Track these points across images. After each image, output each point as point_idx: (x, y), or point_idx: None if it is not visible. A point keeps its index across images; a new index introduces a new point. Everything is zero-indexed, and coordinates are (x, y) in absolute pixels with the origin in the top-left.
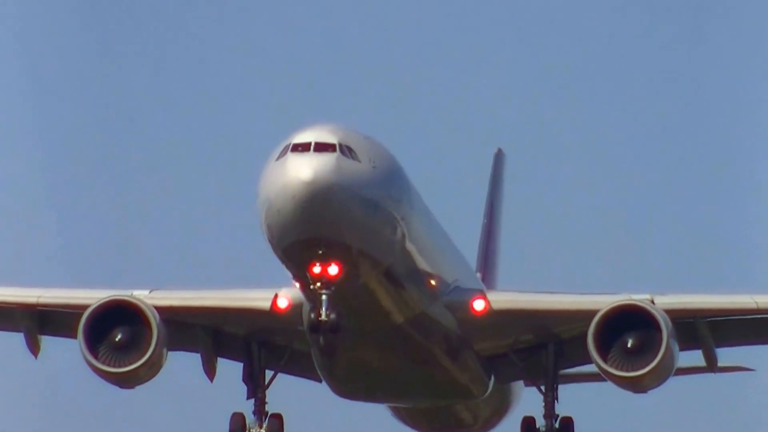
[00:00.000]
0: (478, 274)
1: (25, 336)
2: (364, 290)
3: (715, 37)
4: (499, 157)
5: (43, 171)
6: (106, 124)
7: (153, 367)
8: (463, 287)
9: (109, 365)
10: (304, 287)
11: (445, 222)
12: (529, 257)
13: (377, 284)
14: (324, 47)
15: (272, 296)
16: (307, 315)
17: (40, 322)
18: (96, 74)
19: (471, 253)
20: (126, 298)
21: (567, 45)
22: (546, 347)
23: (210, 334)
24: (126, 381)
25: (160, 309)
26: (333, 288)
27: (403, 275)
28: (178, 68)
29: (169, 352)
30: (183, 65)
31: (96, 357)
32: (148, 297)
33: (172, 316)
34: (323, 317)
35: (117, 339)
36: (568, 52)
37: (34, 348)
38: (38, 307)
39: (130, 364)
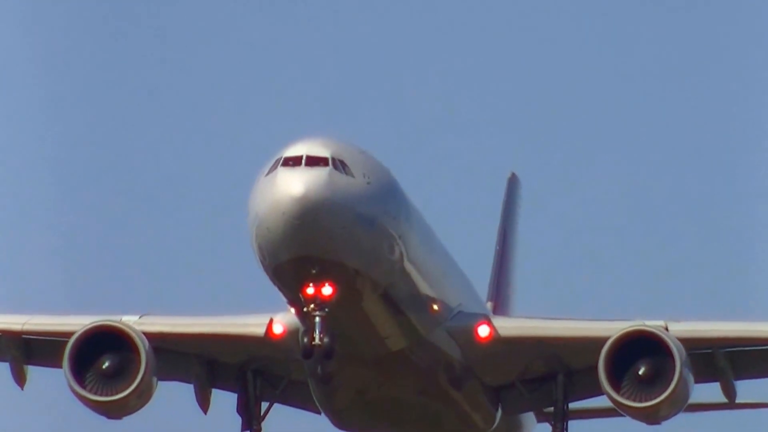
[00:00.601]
0: (489, 304)
1: (11, 366)
2: (361, 313)
3: None
4: (513, 182)
5: (29, 192)
6: (95, 144)
7: (142, 397)
8: (467, 312)
9: (95, 394)
10: (299, 311)
11: (455, 249)
12: (544, 285)
13: (374, 307)
14: (331, 63)
15: (267, 322)
16: (301, 339)
17: (27, 351)
18: (75, 109)
19: (483, 281)
20: (113, 323)
21: (584, 67)
22: (555, 378)
23: (203, 363)
24: (114, 411)
25: (150, 335)
26: (327, 310)
27: (402, 297)
28: (166, 92)
29: (161, 382)
30: (173, 87)
31: (82, 385)
32: (137, 323)
33: (163, 343)
34: (317, 341)
35: (104, 366)
36: (583, 74)
37: (20, 378)
38: (24, 335)
39: (118, 392)
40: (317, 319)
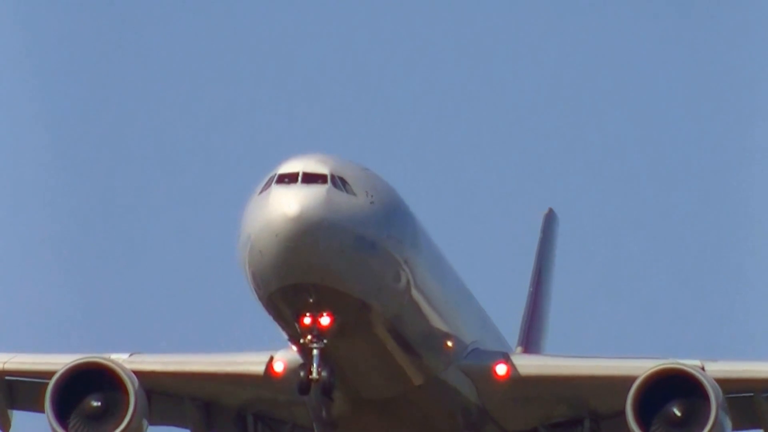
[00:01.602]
0: (519, 349)
1: None
2: (364, 347)
3: None
4: (549, 219)
5: (15, 220)
6: (82, 164)
7: None
8: (484, 349)
9: None
10: (298, 345)
11: (484, 290)
12: (577, 327)
13: (379, 340)
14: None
15: (267, 360)
16: (297, 373)
17: (10, 394)
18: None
19: (513, 325)
20: (99, 360)
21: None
22: (582, 423)
23: (200, 405)
24: None
25: (141, 375)
26: (325, 342)
27: (410, 330)
28: (158, 109)
29: (155, 428)
30: (166, 105)
31: (66, 428)
32: (127, 361)
33: (155, 384)
34: (314, 375)
35: (90, 407)
36: (617, 105)
37: (4, 424)
38: (5, 375)
39: None
40: (315, 351)
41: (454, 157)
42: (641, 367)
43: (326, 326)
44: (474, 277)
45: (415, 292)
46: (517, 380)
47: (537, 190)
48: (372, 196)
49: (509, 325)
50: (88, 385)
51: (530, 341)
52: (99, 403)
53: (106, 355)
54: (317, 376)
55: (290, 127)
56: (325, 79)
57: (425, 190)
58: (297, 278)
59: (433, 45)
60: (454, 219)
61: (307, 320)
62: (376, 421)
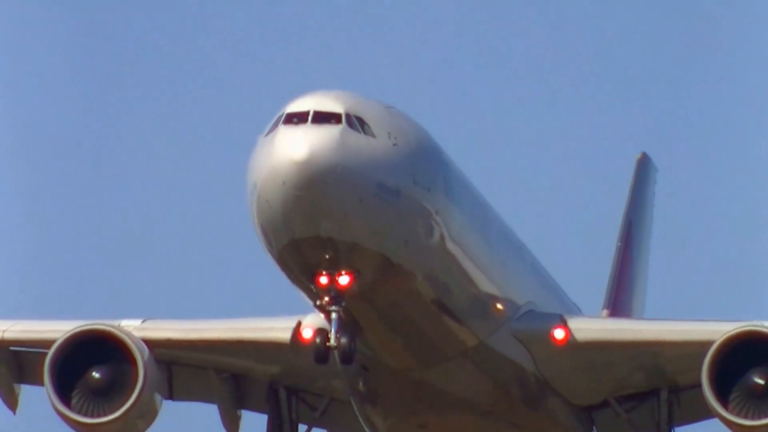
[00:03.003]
0: (605, 312)
1: None
2: (392, 311)
3: None
4: (643, 165)
5: (22, 187)
6: (92, 134)
7: (142, 418)
8: (540, 311)
9: (83, 414)
10: (319, 308)
11: (564, 246)
12: (674, 287)
13: (409, 303)
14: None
15: (294, 326)
16: (313, 340)
17: (16, 367)
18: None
19: (599, 286)
20: (102, 327)
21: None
22: (658, 395)
23: (227, 379)
24: None
25: (154, 343)
26: (343, 304)
27: (445, 290)
28: (170, 81)
29: (181, 403)
30: (174, 78)
31: (67, 404)
32: (138, 328)
33: (172, 354)
34: (332, 342)
35: (94, 380)
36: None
37: (10, 400)
38: (7, 346)
39: (111, 412)
40: (333, 315)
41: (529, 92)
42: (718, 330)
43: (345, 286)
44: (552, 232)
45: (450, 247)
46: (573, 346)
47: (628, 131)
48: (395, 137)
49: (594, 285)
50: (94, 356)
51: (618, 304)
52: (103, 376)
53: (114, 322)
54: (335, 343)
55: (311, 59)
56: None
57: (496, 132)
58: (308, 231)
59: None
60: (529, 164)
61: (323, 279)
62: (418, 395)
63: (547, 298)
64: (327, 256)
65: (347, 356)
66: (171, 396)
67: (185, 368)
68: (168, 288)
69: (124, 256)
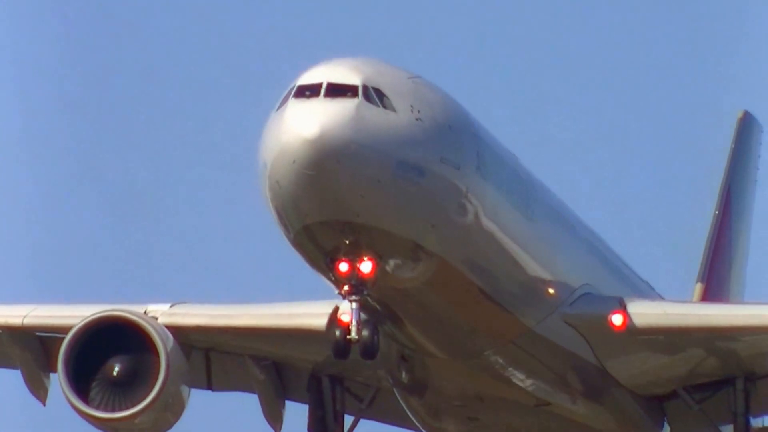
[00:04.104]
0: (699, 286)
1: (22, 373)
2: (427, 296)
3: None
4: (745, 124)
5: (47, 171)
6: (115, 118)
7: (168, 411)
8: (597, 295)
9: (101, 408)
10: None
11: (653, 216)
12: None
13: (444, 287)
14: None
15: (331, 311)
16: (332, 332)
17: (44, 355)
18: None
19: (693, 257)
20: (120, 313)
21: None
22: (733, 384)
23: (267, 367)
24: (127, 430)
25: (183, 330)
26: (365, 293)
27: (484, 274)
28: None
29: (221, 393)
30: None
31: (84, 398)
32: (166, 313)
33: (202, 341)
34: (353, 335)
35: (113, 371)
36: None
37: (38, 389)
38: (26, 330)
39: (130, 406)
40: (353, 305)
41: (618, 46)
42: None
43: (367, 274)
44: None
45: (486, 228)
46: (634, 332)
47: (727, 87)
48: (419, 111)
49: (688, 258)
50: (115, 344)
51: (714, 278)
52: (123, 366)
53: (141, 306)
54: (356, 336)
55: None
56: None
57: (581, 93)
58: (323, 214)
59: None
60: (619, 125)
61: (343, 266)
62: (464, 386)
63: (608, 279)
64: (346, 242)
65: (369, 351)
66: (210, 386)
67: (222, 356)
68: (199, 270)
69: (153, 237)
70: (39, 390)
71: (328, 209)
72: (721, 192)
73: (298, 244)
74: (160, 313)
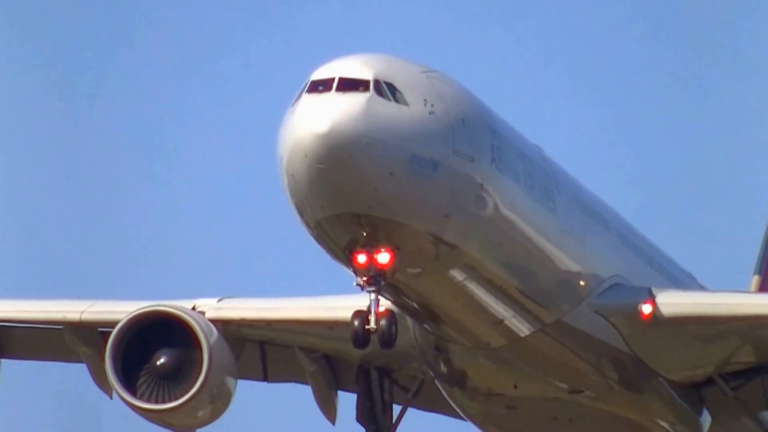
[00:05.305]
0: (756, 278)
1: (88, 368)
2: (449, 287)
3: None
4: None
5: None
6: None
7: (213, 403)
8: (628, 285)
9: (146, 400)
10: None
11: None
12: None
13: (466, 278)
14: None
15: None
16: (351, 323)
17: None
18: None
19: (751, 250)
20: (163, 308)
21: None
22: (765, 370)
23: (318, 359)
24: (174, 422)
25: (231, 323)
26: (382, 284)
27: (506, 265)
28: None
29: (277, 384)
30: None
31: (133, 391)
32: (214, 308)
33: (260, 333)
34: (371, 325)
35: (159, 365)
36: None
37: (104, 383)
38: (87, 326)
39: (176, 398)
40: (372, 295)
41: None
42: None
43: (385, 265)
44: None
45: (505, 219)
46: (663, 321)
47: None
48: (432, 105)
49: (747, 249)
50: (164, 339)
51: None
52: (169, 359)
53: (190, 301)
54: (375, 326)
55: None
56: None
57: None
58: (337, 207)
59: None
60: (676, 120)
61: (360, 258)
62: (499, 375)
63: (643, 270)
64: (363, 234)
65: (387, 340)
66: (266, 377)
67: (276, 348)
68: (251, 265)
69: (205, 234)
70: (105, 384)
71: (342, 202)
72: None
73: (317, 236)
74: (207, 308)
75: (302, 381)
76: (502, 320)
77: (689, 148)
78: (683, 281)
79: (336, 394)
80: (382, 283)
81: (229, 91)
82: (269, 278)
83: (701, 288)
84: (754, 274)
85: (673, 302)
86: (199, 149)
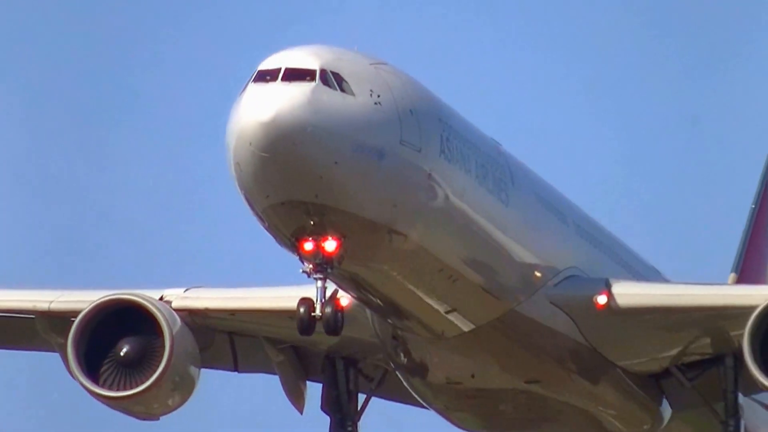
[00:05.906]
0: (732, 276)
1: (61, 357)
2: (398, 275)
3: None
4: None
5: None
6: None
7: (176, 391)
8: (584, 277)
9: (108, 388)
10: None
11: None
12: None
13: (415, 266)
14: None
15: (331, 293)
16: (297, 310)
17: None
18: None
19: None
20: (126, 296)
21: None
22: (723, 362)
23: (286, 350)
24: (137, 409)
25: (196, 313)
26: (329, 271)
27: (454, 254)
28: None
29: (249, 375)
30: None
31: (94, 378)
32: (180, 297)
33: (228, 323)
34: (317, 312)
35: (121, 353)
36: None
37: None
38: (56, 315)
39: (136, 386)
40: (318, 283)
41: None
42: (759, 295)
43: (332, 253)
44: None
45: (454, 209)
46: (617, 312)
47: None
48: (379, 95)
49: (726, 248)
50: (128, 327)
51: (748, 269)
52: (131, 347)
53: (156, 292)
54: (320, 314)
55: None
56: None
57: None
58: (282, 195)
59: None
60: (657, 116)
61: (307, 245)
62: (457, 365)
63: (602, 263)
64: (310, 221)
65: (332, 328)
66: (236, 368)
67: (244, 339)
68: (221, 256)
69: (177, 224)
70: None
71: (286, 190)
72: (759, 186)
73: (265, 223)
74: (174, 297)
75: (272, 371)
76: (455, 310)
77: (680, 143)
78: (645, 274)
79: (305, 384)
80: (329, 270)
81: (200, 83)
82: (240, 269)
83: (664, 281)
84: (732, 272)
85: (628, 293)
86: (165, 138)
